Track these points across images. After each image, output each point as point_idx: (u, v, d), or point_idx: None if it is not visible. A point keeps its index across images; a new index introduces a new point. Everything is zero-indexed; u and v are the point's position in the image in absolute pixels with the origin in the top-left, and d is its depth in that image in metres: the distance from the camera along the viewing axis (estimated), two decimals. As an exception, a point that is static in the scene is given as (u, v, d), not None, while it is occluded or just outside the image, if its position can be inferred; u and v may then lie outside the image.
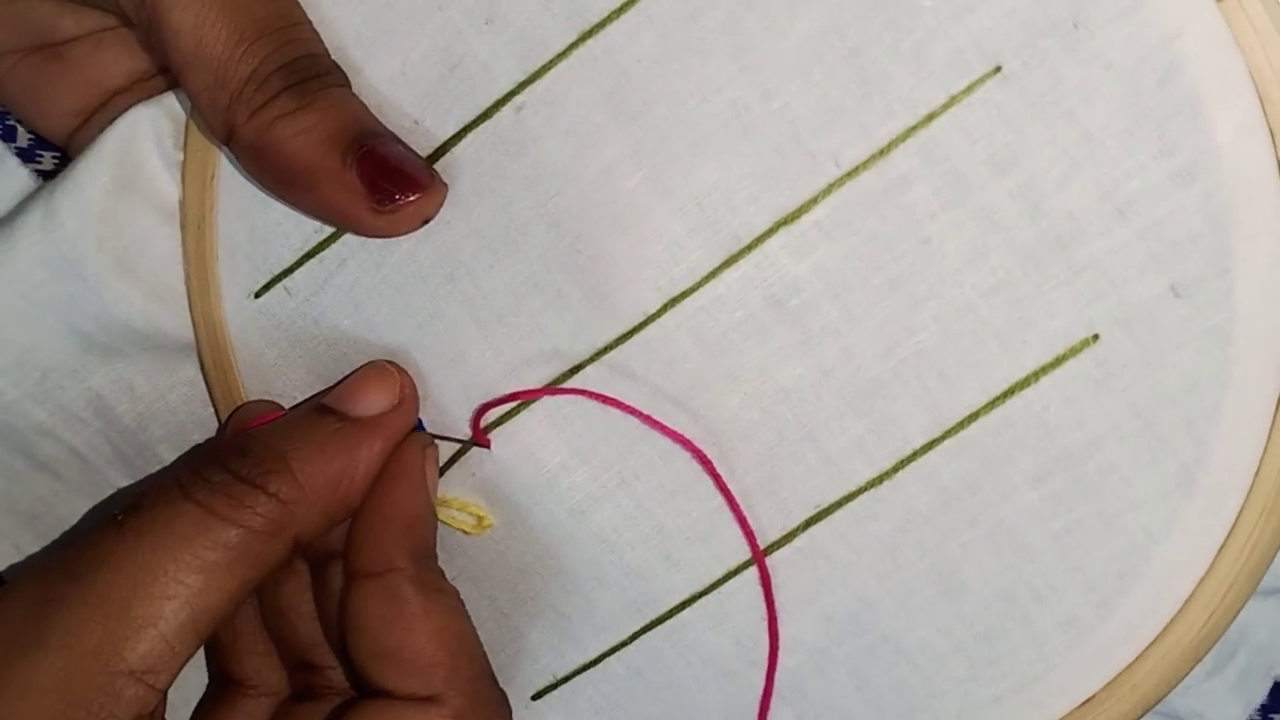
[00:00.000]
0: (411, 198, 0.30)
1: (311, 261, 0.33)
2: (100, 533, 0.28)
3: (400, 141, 0.30)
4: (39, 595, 0.27)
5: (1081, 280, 0.28)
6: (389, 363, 0.32)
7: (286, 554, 0.29)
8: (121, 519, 0.28)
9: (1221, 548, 0.28)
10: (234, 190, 0.33)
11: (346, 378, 0.32)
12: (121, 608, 0.27)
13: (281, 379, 0.33)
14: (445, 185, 0.30)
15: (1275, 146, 0.26)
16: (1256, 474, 0.28)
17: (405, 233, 0.30)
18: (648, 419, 0.30)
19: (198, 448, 0.35)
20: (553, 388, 0.31)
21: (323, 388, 0.33)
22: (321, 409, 0.31)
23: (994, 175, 0.28)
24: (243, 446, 0.29)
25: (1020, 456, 0.29)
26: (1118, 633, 0.30)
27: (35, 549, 0.36)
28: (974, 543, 0.30)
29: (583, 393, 0.31)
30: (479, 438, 0.32)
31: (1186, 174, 0.27)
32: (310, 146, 0.29)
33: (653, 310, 0.30)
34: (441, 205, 0.31)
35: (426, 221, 0.30)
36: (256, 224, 0.33)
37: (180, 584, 0.27)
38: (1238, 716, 0.32)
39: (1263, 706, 0.33)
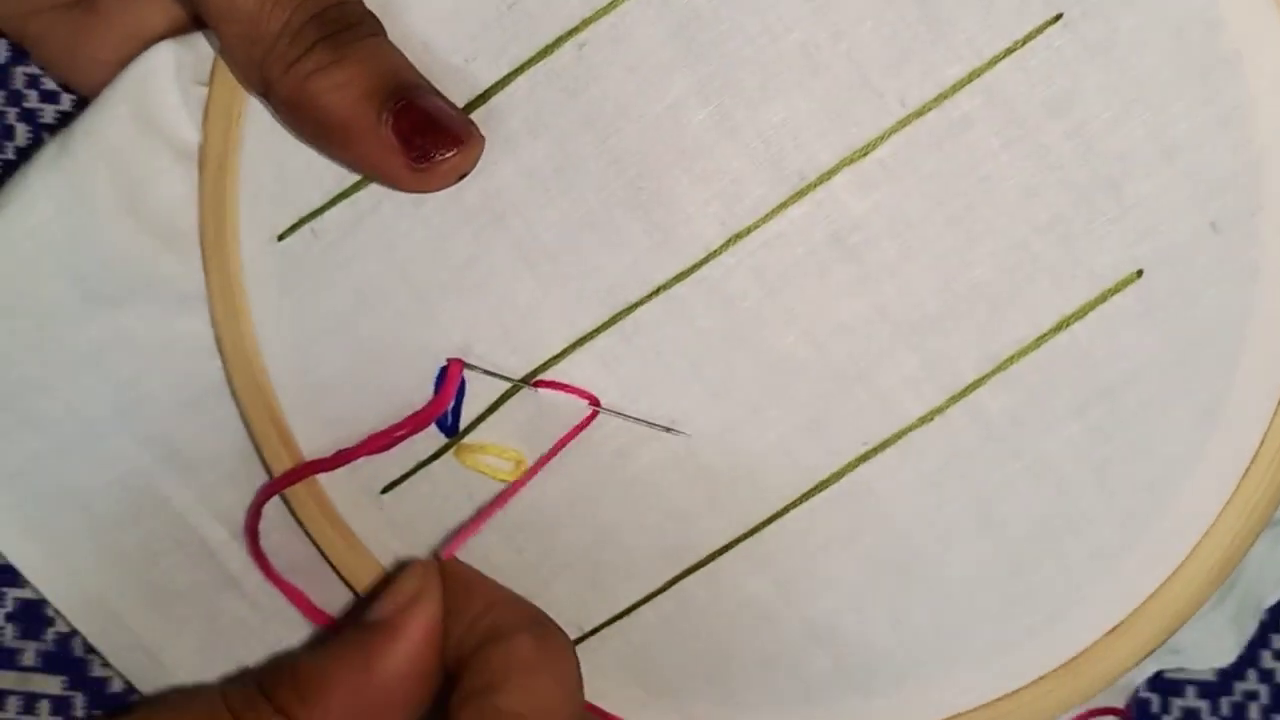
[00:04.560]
0: (449, 154, 0.29)
1: (344, 203, 0.32)
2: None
3: (438, 94, 0.30)
4: None
5: (1130, 218, 0.30)
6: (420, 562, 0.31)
7: None
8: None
9: (1243, 477, 0.31)
10: (262, 131, 0.32)
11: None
12: None
13: (297, 329, 0.32)
14: (483, 138, 0.30)
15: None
16: (1277, 407, 0.30)
17: (441, 188, 0.30)
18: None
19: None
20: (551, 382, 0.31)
21: (343, 334, 0.32)
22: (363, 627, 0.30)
23: (1051, 117, 0.30)
24: (281, 668, 0.29)
25: (1064, 390, 0.31)
26: (1144, 561, 0.31)
27: (13, 511, 0.33)
28: (1016, 476, 0.31)
29: (563, 387, 0.31)
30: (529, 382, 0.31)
31: (1226, 120, 0.29)
32: (346, 102, 0.29)
33: (715, 246, 0.31)
34: (478, 159, 0.30)
35: (464, 176, 0.30)
36: (285, 166, 0.32)
37: None
38: (1232, 648, 0.34)
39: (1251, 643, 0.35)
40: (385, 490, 0.33)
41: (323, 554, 0.33)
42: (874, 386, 0.31)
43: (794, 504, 0.32)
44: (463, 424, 0.32)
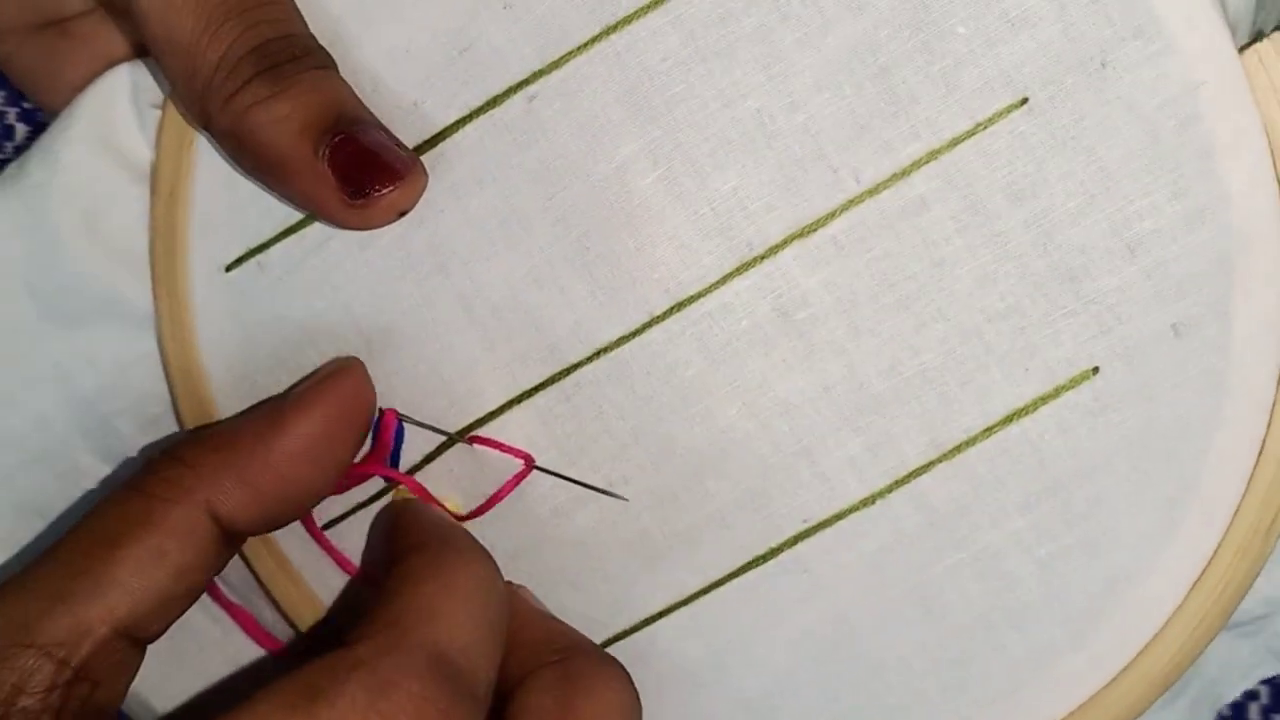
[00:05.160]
0: (386, 190, 0.29)
1: (291, 238, 0.31)
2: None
3: (382, 128, 0.29)
4: None
5: (1088, 313, 0.28)
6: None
7: (205, 525, 0.27)
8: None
9: (1196, 584, 0.29)
10: (214, 159, 0.31)
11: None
12: (41, 588, 0.26)
13: (245, 359, 0.32)
14: (425, 176, 0.30)
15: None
16: (1235, 514, 0.29)
17: (380, 225, 0.30)
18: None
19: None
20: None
21: (289, 369, 0.32)
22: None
23: (1011, 204, 0.28)
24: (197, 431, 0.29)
25: (1012, 483, 0.29)
26: (1089, 661, 0.30)
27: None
28: (959, 566, 0.30)
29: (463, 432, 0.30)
30: (463, 436, 0.31)
31: (1196, 218, 0.28)
32: (283, 136, 0.28)
33: (659, 312, 0.30)
34: (420, 196, 0.30)
35: (404, 214, 0.30)
36: (236, 195, 0.31)
37: (99, 561, 0.26)
38: (1181, 748, 0.33)
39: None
40: (326, 527, 0.33)
41: (263, 587, 0.33)
42: (816, 465, 0.30)
43: (731, 575, 0.31)
44: (403, 468, 0.32)
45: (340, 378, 0.30)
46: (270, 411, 0.29)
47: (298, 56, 0.29)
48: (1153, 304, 0.28)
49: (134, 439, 0.33)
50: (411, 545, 0.28)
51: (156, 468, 0.28)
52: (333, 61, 0.30)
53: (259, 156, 0.29)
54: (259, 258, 0.31)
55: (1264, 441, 0.28)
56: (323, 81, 0.29)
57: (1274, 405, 0.28)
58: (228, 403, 0.32)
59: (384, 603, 0.27)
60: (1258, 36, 0.27)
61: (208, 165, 0.31)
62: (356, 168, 0.28)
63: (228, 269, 0.32)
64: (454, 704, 0.25)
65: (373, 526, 0.32)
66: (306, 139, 0.28)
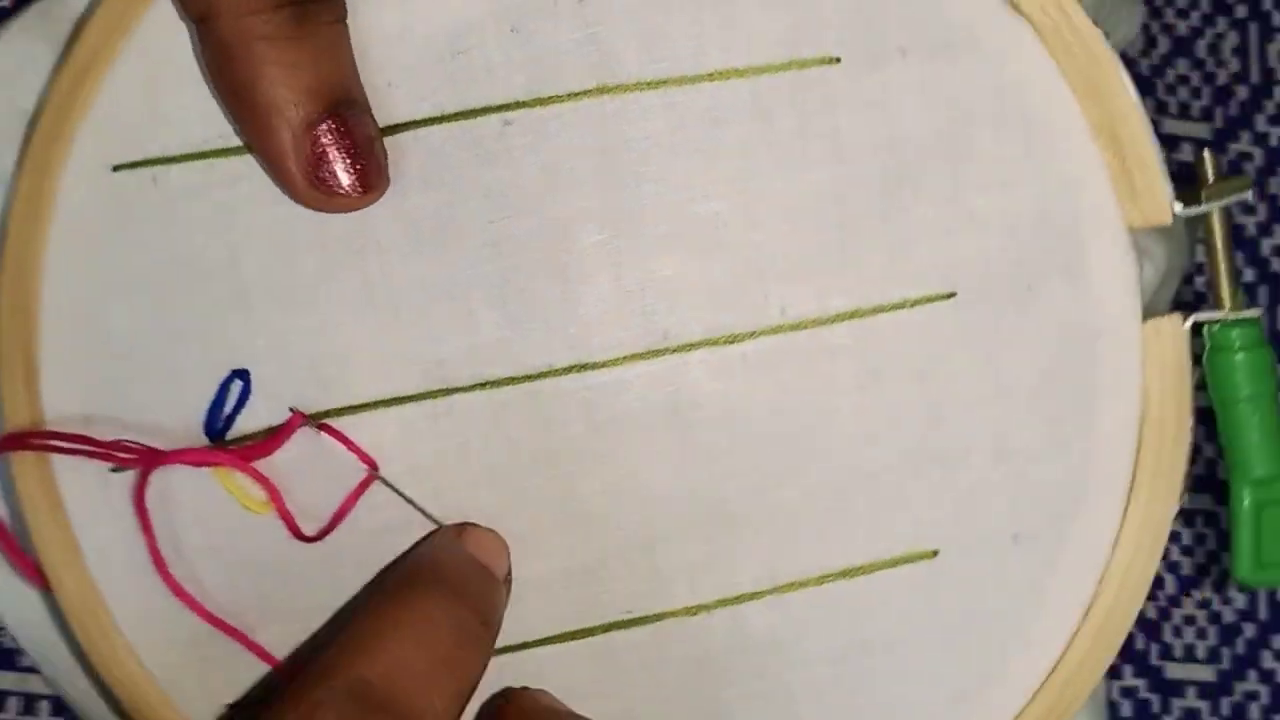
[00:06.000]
0: (350, 192, 0.28)
1: (199, 163, 0.30)
2: None
3: (373, 120, 0.29)
4: None
5: (945, 499, 0.30)
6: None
7: None
8: None
9: None
10: (146, 56, 0.29)
11: None
12: None
13: (101, 266, 0.30)
14: (388, 184, 0.29)
15: (1138, 450, 0.30)
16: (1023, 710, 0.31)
17: (319, 211, 0.29)
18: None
19: None
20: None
21: (147, 296, 0.30)
22: None
23: (912, 380, 0.30)
24: None
25: (828, 632, 0.31)
26: None
27: None
28: (754, 696, 0.31)
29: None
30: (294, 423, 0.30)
31: (1063, 447, 0.30)
32: (285, 89, 0.27)
33: (558, 366, 0.30)
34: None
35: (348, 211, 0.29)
36: (157, 99, 0.29)
37: None
38: None
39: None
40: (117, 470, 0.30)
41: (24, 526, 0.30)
42: (654, 561, 0.31)
43: (539, 642, 0.31)
44: (232, 436, 0.30)
45: None
46: None
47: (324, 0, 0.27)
48: (1004, 510, 0.30)
49: None
50: (374, 587, 0.28)
51: None
52: (346, 13, 0.28)
53: (246, 88, 0.27)
54: (156, 171, 0.30)
55: (1057, 663, 0.30)
56: (339, 42, 0.28)
57: (1075, 633, 0.30)
58: (58, 308, 0.30)
59: (325, 645, 0.26)
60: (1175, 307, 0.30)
61: (138, 57, 0.29)
62: (336, 157, 0.28)
63: (116, 169, 0.29)
64: None
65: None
66: (306, 103, 0.27)
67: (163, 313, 0.30)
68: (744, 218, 0.30)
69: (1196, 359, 0.30)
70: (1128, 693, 0.41)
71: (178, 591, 0.30)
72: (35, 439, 0.30)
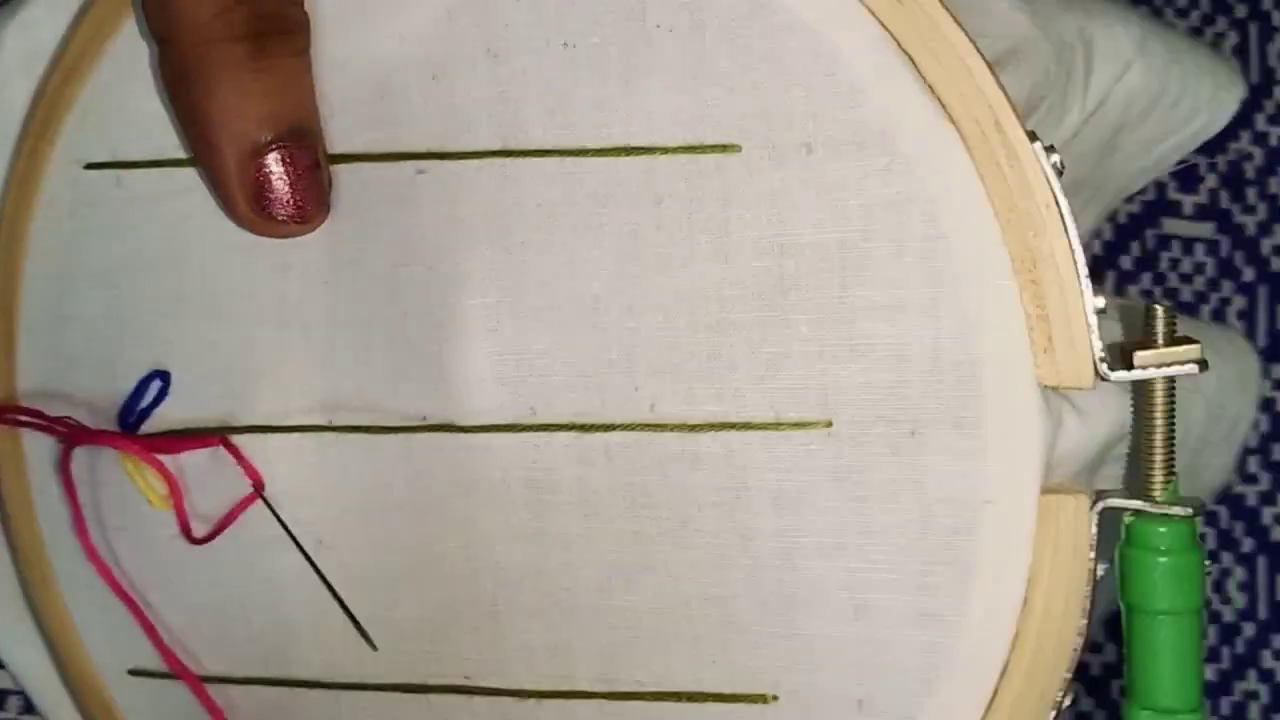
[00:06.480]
0: (290, 223, 0.29)
1: (159, 170, 0.31)
2: None
3: (324, 151, 0.29)
4: None
5: (791, 645, 0.28)
6: None
7: None
8: None
9: None
10: (127, 53, 0.31)
11: None
12: None
13: (71, 254, 0.32)
14: (328, 213, 0.29)
15: (1013, 644, 0.26)
16: None
17: (263, 236, 0.30)
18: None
19: None
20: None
21: (105, 289, 0.32)
22: None
23: (771, 508, 0.27)
24: None
25: None
26: None
27: None
28: None
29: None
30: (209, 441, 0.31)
31: (927, 620, 0.27)
32: (236, 114, 0.27)
33: (432, 422, 0.30)
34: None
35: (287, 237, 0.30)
36: (127, 104, 0.31)
37: None
38: None
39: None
40: None
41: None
42: (499, 633, 0.30)
43: (379, 686, 0.31)
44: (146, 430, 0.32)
45: None
46: None
47: (289, 32, 0.28)
48: (851, 671, 0.27)
49: None
50: None
51: None
52: (309, 44, 0.29)
53: (198, 111, 0.28)
54: (121, 173, 0.31)
55: None
56: (299, 73, 0.28)
57: None
58: (36, 286, 0.32)
59: None
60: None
61: (116, 60, 0.31)
62: (278, 186, 0.28)
63: (87, 166, 0.32)
64: None
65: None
66: (255, 130, 0.28)
67: (112, 306, 0.32)
68: (622, 303, 0.28)
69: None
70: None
71: (91, 555, 0.32)
72: (4, 412, 0.33)
